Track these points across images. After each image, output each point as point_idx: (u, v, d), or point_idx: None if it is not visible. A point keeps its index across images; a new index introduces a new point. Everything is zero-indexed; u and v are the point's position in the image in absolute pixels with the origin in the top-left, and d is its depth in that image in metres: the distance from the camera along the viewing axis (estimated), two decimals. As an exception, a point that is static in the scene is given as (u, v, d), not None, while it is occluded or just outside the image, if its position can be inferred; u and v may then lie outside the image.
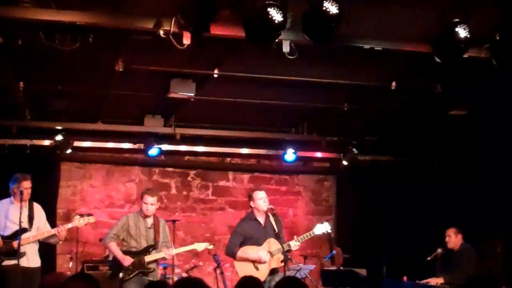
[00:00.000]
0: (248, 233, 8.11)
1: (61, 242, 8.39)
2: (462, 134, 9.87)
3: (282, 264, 7.92)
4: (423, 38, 6.39)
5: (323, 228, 8.29)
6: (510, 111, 8.76)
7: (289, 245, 7.90)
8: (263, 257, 7.92)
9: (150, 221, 8.18)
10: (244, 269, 7.96)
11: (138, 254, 8.03)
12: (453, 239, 9.11)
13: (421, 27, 6.36)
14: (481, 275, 8.45)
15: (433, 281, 8.86)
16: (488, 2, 6.10)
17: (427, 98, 8.78)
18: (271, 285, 7.24)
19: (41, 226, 8.17)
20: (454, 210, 10.03)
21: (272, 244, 8.02)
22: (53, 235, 8.07)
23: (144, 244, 8.08)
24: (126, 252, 8.04)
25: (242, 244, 8.10)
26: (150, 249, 8.08)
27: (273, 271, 8.02)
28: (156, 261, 8.18)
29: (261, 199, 8.09)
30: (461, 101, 8.98)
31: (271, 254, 7.98)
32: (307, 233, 8.22)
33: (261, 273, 7.87)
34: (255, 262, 7.96)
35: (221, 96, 9.07)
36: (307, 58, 6.77)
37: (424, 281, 8.98)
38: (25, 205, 7.98)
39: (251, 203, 8.18)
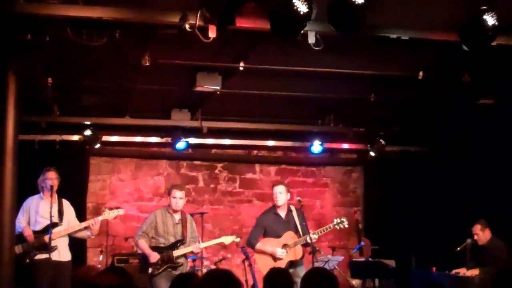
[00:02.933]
0: (268, 225, 8.56)
1: (93, 237, 8.50)
2: (491, 123, 9.76)
3: (300, 257, 8.31)
4: (450, 26, 6.31)
5: (340, 222, 8.56)
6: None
7: (305, 239, 8.10)
8: (278, 254, 8.28)
9: (177, 216, 8.26)
10: (263, 261, 8.39)
11: (167, 250, 8.10)
12: (481, 235, 8.91)
13: (448, 15, 6.28)
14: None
15: (469, 273, 8.75)
16: (516, -11, 6.03)
17: (455, 87, 8.69)
18: (295, 279, 7.29)
19: (71, 221, 8.29)
20: (482, 200, 9.94)
21: (289, 237, 8.37)
22: (85, 229, 8.20)
23: (172, 240, 8.17)
24: (155, 248, 8.13)
25: (264, 235, 8.55)
26: (179, 244, 8.16)
27: (292, 264, 8.23)
28: (184, 255, 8.27)
29: (274, 194, 8.59)
30: (489, 90, 8.88)
31: (288, 246, 8.31)
32: (324, 227, 8.56)
33: (278, 265, 8.14)
34: (272, 256, 8.35)
35: (247, 89, 9.08)
36: (333, 49, 6.73)
37: (454, 271, 8.92)
38: (55, 200, 8.12)
39: None
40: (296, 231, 8.28)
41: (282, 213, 8.52)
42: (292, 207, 8.43)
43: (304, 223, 8.38)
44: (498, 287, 4.17)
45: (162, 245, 8.15)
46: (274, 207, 8.62)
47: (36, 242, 7.94)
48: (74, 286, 4.80)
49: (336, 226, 8.56)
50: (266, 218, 8.64)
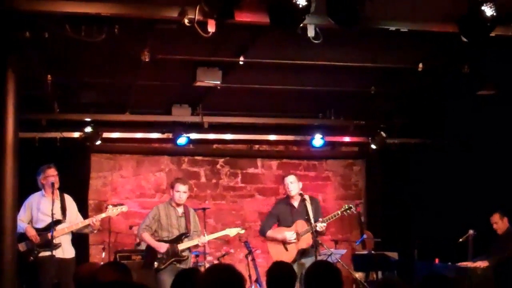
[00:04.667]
0: (281, 214, 8.58)
1: (95, 232, 8.53)
2: (491, 114, 9.75)
3: (310, 245, 8.16)
4: (449, 18, 6.31)
5: (348, 208, 8.48)
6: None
7: (315, 227, 8.08)
8: (288, 237, 8.30)
9: (180, 210, 8.27)
10: (274, 249, 8.44)
11: (171, 243, 8.10)
12: (500, 224, 8.97)
13: (447, 7, 6.28)
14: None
15: (478, 264, 8.75)
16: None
17: (455, 79, 8.69)
18: (302, 270, 7.31)
19: (74, 217, 8.31)
20: (484, 191, 9.95)
21: (299, 225, 8.38)
22: (87, 226, 8.21)
23: (176, 233, 8.16)
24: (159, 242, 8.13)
25: (278, 225, 8.58)
26: (183, 237, 8.16)
27: (303, 253, 8.23)
28: (189, 248, 8.27)
29: (286, 185, 8.56)
30: (489, 81, 8.87)
31: (298, 234, 8.30)
32: (332, 214, 8.46)
33: (290, 254, 8.29)
34: (284, 242, 8.36)
35: (248, 83, 9.07)
36: (332, 42, 6.72)
37: (461, 263, 8.91)
38: (57, 197, 8.13)
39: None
40: (308, 220, 8.21)
41: (295, 202, 8.52)
42: (307, 197, 8.38)
43: (317, 212, 8.38)
44: (499, 276, 4.14)
45: (166, 239, 8.14)
46: (288, 197, 8.63)
47: (40, 240, 7.95)
48: (76, 283, 4.82)
49: (344, 213, 8.46)
50: (280, 207, 8.69)
